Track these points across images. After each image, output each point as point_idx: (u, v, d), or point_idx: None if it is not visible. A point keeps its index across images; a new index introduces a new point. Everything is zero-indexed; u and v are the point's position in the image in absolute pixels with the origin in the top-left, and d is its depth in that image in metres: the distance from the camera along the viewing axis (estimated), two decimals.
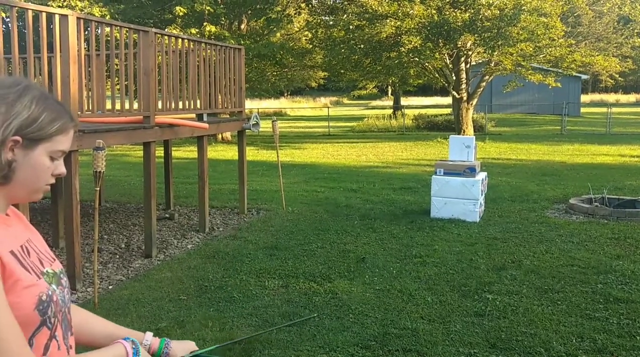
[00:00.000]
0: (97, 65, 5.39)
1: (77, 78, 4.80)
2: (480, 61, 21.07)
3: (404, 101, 39.14)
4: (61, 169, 1.22)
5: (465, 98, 19.86)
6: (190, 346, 1.59)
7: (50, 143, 1.17)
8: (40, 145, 1.15)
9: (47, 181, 1.20)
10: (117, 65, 5.67)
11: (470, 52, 18.88)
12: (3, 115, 1.11)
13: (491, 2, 16.80)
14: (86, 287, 4.90)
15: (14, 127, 1.11)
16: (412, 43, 16.84)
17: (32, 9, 4.53)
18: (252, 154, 15.33)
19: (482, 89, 20.43)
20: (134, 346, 1.31)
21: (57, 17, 4.66)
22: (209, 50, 7.17)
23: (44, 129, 1.15)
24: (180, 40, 6.84)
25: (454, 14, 16.44)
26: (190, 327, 3.97)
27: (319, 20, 21.16)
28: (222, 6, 19.05)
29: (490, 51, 17.66)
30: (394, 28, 17.09)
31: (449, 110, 28.14)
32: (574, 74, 22.18)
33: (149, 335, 1.52)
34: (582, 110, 33.98)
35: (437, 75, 20.76)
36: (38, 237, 1.28)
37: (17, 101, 1.12)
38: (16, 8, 4.45)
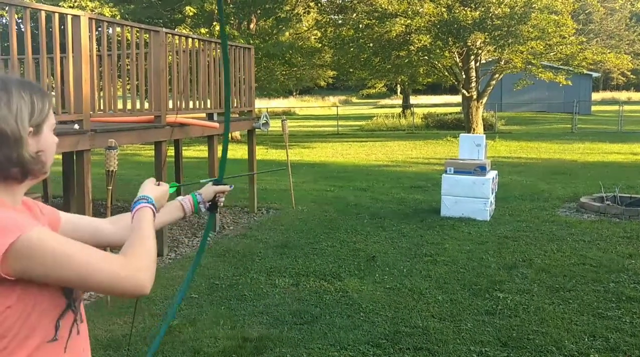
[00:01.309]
0: (108, 65, 5.43)
1: (89, 78, 4.84)
2: (490, 59, 20.97)
3: (413, 100, 39.04)
4: (56, 138, 1.27)
5: (475, 96, 19.77)
6: (210, 186, 1.75)
7: (49, 119, 1.22)
8: (44, 125, 1.20)
9: (54, 155, 1.26)
10: (128, 65, 5.71)
11: (480, 51, 18.80)
12: (9, 115, 1.12)
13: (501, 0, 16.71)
14: None
15: (27, 120, 1.15)
16: (422, 42, 16.79)
17: (45, 10, 4.58)
18: (262, 153, 15.36)
19: (492, 87, 20.33)
20: (143, 200, 1.40)
21: (69, 18, 4.69)
22: (218, 50, 7.20)
23: (43, 110, 1.19)
24: (190, 40, 6.87)
25: (464, 12, 16.37)
26: (201, 325, 3.99)
27: (328, 19, 21.17)
28: (231, 6, 19.11)
29: (500, 49, 17.57)
30: (403, 26, 17.05)
31: (458, 109, 28.03)
32: (585, 71, 22.00)
33: (180, 197, 1.72)
34: (593, 108, 33.71)
35: (446, 73, 20.68)
36: (47, 223, 1.30)
37: (10, 98, 1.14)
38: (29, 9, 4.49)
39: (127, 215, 1.53)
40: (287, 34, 22.87)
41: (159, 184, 1.53)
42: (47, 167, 1.22)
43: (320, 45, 22.83)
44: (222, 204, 1.74)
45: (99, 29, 5.38)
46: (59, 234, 1.32)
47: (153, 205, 1.38)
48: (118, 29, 6.04)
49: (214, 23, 18.40)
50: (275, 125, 10.22)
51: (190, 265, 1.82)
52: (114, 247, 1.47)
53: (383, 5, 17.00)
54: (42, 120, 1.18)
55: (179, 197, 1.68)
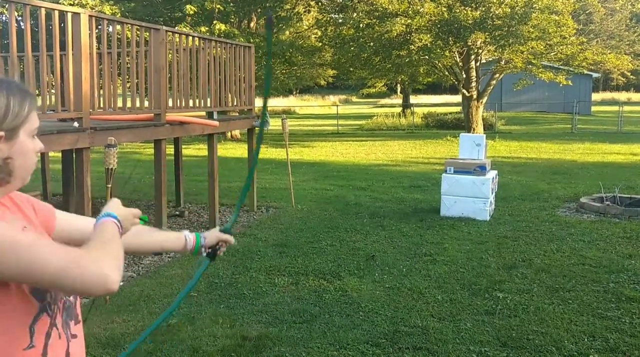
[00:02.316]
0: (108, 63, 5.42)
1: (89, 76, 4.83)
2: (490, 59, 20.97)
3: (413, 99, 39.03)
4: (40, 144, 1.21)
5: (475, 96, 19.77)
6: (216, 232, 1.70)
7: (28, 124, 1.15)
8: (20, 130, 1.14)
9: (35, 161, 1.20)
10: (128, 63, 5.71)
11: (480, 50, 18.80)
12: None
13: None
14: None
15: None
16: (422, 41, 16.79)
17: (45, 7, 4.56)
18: (262, 151, 15.35)
19: (492, 87, 20.33)
20: (104, 215, 1.31)
21: (69, 15, 4.68)
22: (219, 49, 7.19)
23: (19, 114, 1.13)
24: (190, 38, 6.86)
25: (465, 12, 16.37)
26: (200, 323, 3.99)
27: (328, 18, 21.14)
28: (231, 4, 19.09)
29: (500, 49, 17.56)
30: (404, 26, 17.03)
31: (458, 109, 28.02)
32: (585, 72, 22.01)
33: (186, 232, 1.63)
34: (593, 108, 33.69)
35: (447, 73, 20.68)
36: (41, 219, 1.27)
37: None
38: (29, 6, 4.48)
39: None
40: (287, 32, 22.84)
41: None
42: (16, 176, 1.14)
43: (320, 44, 22.79)
44: (222, 253, 1.67)
45: (99, 26, 5.37)
46: (54, 232, 1.29)
47: (117, 220, 1.28)
48: (118, 27, 6.06)
49: (214, 21, 18.37)
50: (275, 124, 10.22)
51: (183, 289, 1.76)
52: None
53: (383, 5, 16.99)
54: (16, 125, 1.11)
55: (185, 231, 1.62)
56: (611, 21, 27.07)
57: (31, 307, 1.10)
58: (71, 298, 1.23)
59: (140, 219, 1.45)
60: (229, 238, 1.67)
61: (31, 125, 1.16)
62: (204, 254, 1.64)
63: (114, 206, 1.34)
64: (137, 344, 1.75)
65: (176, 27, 17.24)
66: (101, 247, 1.13)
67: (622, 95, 44.55)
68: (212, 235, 1.65)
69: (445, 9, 16.74)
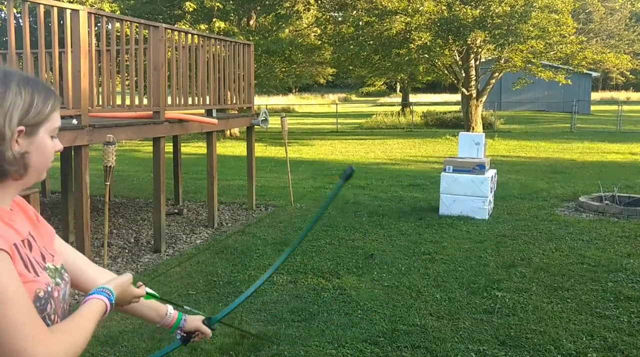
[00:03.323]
0: (107, 60, 5.41)
1: (87, 73, 4.82)
2: (490, 58, 20.95)
3: (412, 98, 39.00)
4: (60, 145, 1.21)
5: (474, 95, 19.76)
6: (198, 320, 1.66)
7: (49, 123, 1.16)
8: (41, 128, 1.14)
9: (51, 160, 1.20)
10: (127, 60, 5.70)
11: (480, 49, 18.78)
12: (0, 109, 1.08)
13: None
14: None
15: (16, 119, 1.09)
16: (422, 39, 16.77)
17: (44, 4, 4.55)
18: (261, 150, 15.34)
19: (491, 86, 20.30)
20: (105, 292, 1.24)
21: (68, 12, 4.67)
22: (218, 46, 7.18)
23: (42, 111, 1.14)
24: (189, 35, 6.85)
25: (464, 10, 16.35)
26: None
27: (328, 17, 21.10)
28: (231, 2, 19.06)
29: (500, 48, 17.55)
30: (403, 24, 17.02)
31: (457, 108, 28.03)
32: (585, 71, 22.00)
33: (171, 308, 1.60)
34: (592, 108, 33.72)
35: (446, 72, 20.67)
36: (43, 230, 1.27)
37: (6, 92, 1.09)
38: (28, 3, 4.47)
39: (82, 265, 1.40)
40: (286, 30, 22.82)
41: (139, 286, 1.38)
42: (30, 171, 1.14)
43: (320, 42, 22.77)
44: (193, 342, 1.65)
45: (98, 24, 5.35)
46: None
47: (110, 301, 1.23)
48: (117, 24, 6.08)
49: (214, 19, 18.35)
50: (274, 122, 10.21)
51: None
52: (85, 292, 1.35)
53: (383, 3, 16.97)
54: (38, 122, 1.13)
55: (170, 307, 1.56)
56: (611, 20, 27.00)
57: None
58: (67, 305, 1.24)
59: (151, 295, 1.44)
60: (207, 332, 1.64)
61: (52, 125, 1.17)
62: (178, 337, 1.62)
63: (119, 284, 1.28)
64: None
65: (175, 25, 17.21)
66: (69, 337, 1.09)
67: (621, 95, 44.60)
68: (194, 321, 1.62)
69: (445, 8, 16.72)
